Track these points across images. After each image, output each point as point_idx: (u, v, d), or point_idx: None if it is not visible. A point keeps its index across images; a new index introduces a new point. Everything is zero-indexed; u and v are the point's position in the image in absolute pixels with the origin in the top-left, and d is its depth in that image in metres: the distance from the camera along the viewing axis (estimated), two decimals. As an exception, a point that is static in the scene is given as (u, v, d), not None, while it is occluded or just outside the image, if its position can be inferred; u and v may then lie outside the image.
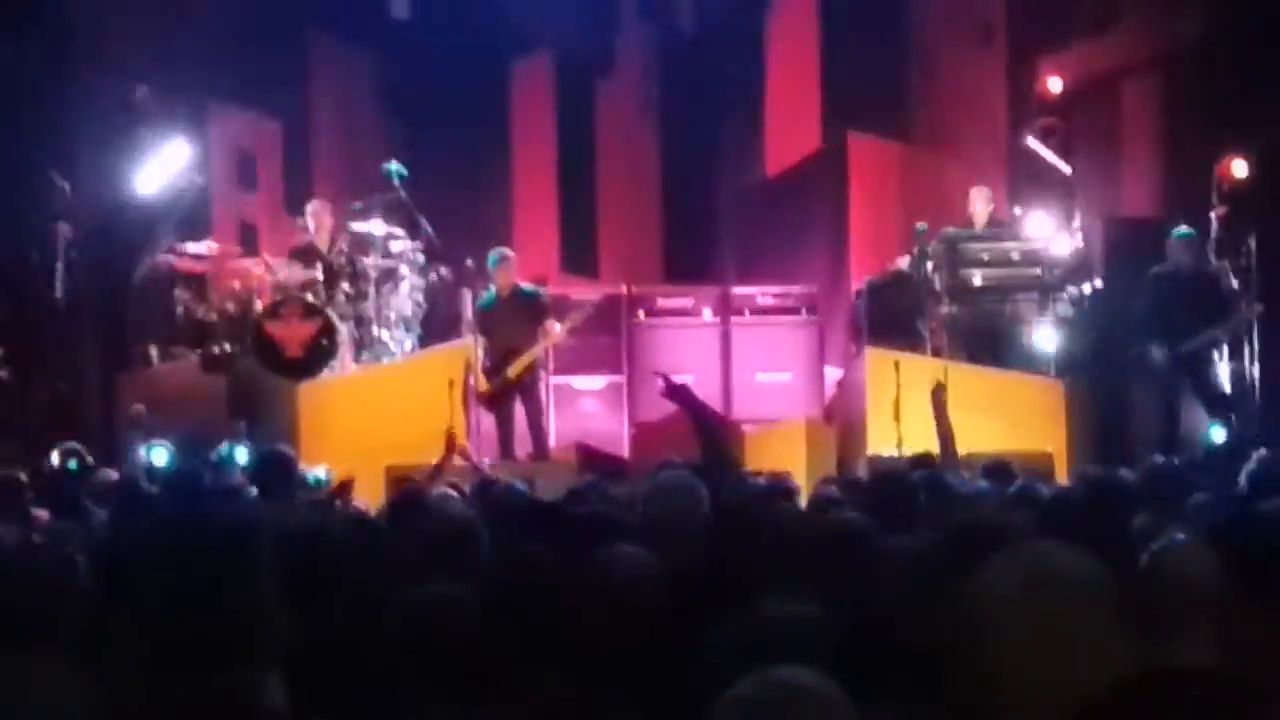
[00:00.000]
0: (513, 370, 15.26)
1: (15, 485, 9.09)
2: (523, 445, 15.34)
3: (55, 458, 12.58)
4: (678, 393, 7.35)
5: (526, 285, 15.78)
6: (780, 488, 9.31)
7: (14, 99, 16.55)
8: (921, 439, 13.32)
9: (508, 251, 15.76)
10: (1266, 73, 16.23)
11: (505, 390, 15.31)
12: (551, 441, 15.93)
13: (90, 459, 12.75)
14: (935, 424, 10.91)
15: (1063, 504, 6.91)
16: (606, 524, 6.53)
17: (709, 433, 7.22)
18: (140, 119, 17.02)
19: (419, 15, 18.24)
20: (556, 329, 15.37)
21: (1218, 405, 14.74)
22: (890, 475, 9.03)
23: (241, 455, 12.30)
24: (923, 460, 10.42)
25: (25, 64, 16.66)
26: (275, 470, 9.79)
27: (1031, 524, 6.11)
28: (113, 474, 11.37)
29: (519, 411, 15.40)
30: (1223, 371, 15.13)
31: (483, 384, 15.24)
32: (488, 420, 15.37)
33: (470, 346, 15.48)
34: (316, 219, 16.51)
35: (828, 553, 5.77)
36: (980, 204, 16.52)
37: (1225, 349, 15.18)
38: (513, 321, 15.40)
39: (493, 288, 15.55)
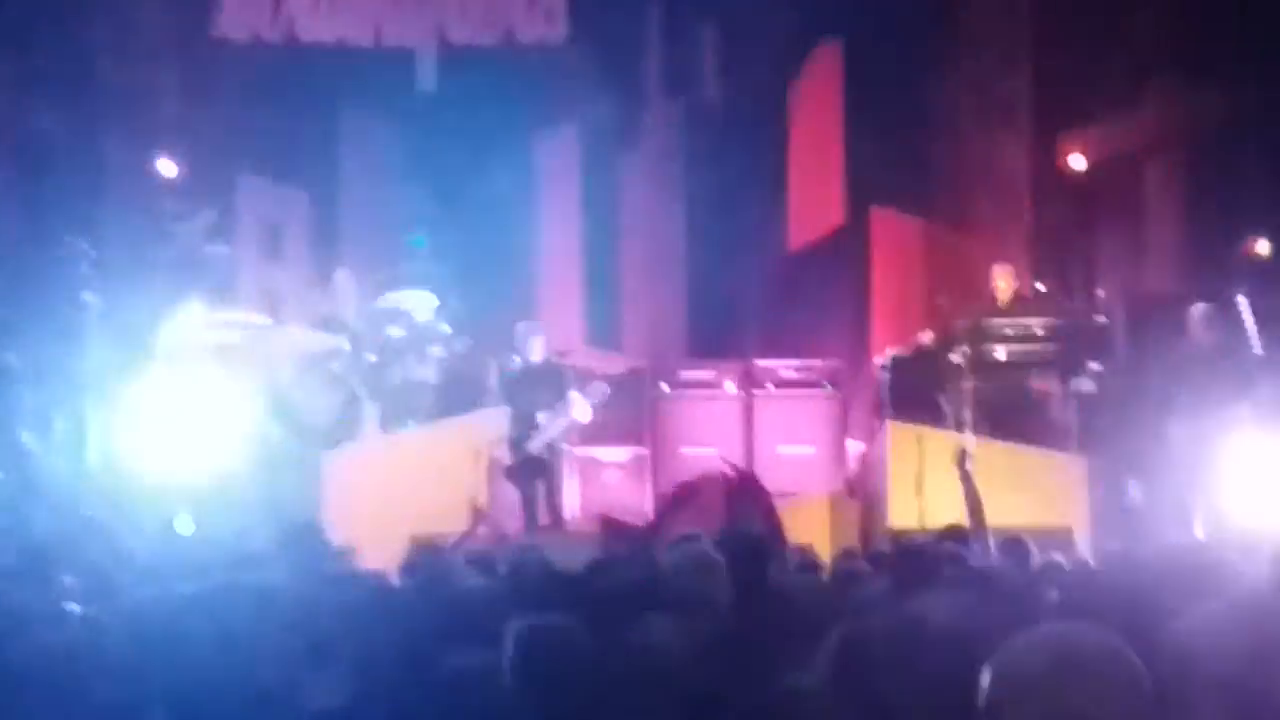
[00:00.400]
0: (534, 443, 15.26)
1: (43, 552, 9.13)
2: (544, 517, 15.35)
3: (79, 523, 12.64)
4: (748, 481, 7.29)
5: (552, 358, 15.79)
6: (805, 561, 9.32)
7: (43, 168, 16.70)
8: (945, 513, 13.34)
9: (536, 324, 15.80)
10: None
11: (527, 463, 15.31)
12: (575, 513, 15.97)
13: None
14: (963, 493, 10.92)
15: (1084, 580, 6.93)
16: (631, 596, 6.55)
17: (767, 512, 7.18)
18: (167, 188, 17.19)
19: (445, 87, 18.34)
20: (581, 404, 15.35)
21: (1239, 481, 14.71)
22: (913, 549, 9.03)
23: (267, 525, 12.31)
24: (951, 533, 10.40)
25: (53, 133, 16.81)
26: (303, 539, 9.86)
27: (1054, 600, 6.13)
28: (137, 541, 11.41)
29: (540, 484, 15.41)
30: (1247, 447, 15.09)
31: (505, 456, 15.28)
32: (510, 491, 15.39)
33: (495, 418, 15.51)
34: (342, 289, 16.63)
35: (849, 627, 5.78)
36: (1002, 281, 16.52)
37: (1248, 425, 15.14)
38: (537, 394, 15.40)
39: (518, 359, 15.58)
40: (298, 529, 10.36)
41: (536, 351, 15.58)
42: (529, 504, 15.24)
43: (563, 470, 15.64)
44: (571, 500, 16.00)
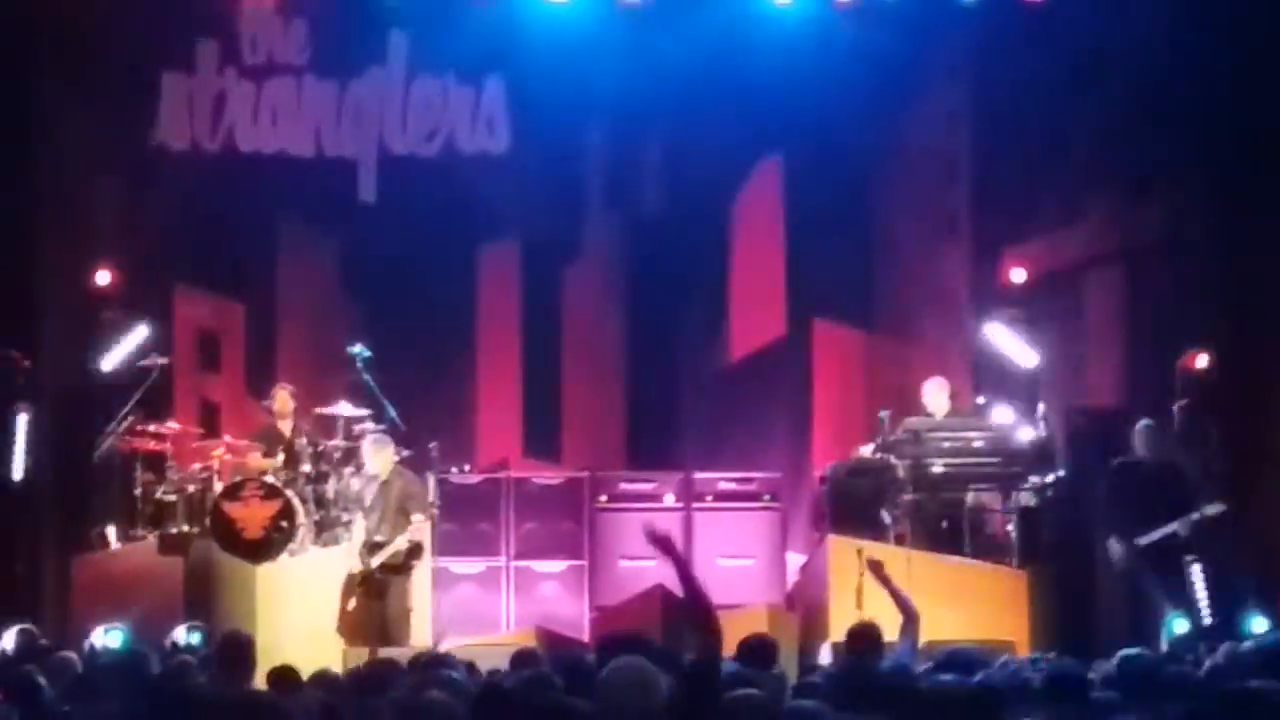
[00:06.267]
0: (376, 560, 15.19)
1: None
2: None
3: (8, 639, 12.46)
4: (663, 543, 7.19)
5: (405, 472, 15.70)
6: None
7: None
8: (885, 626, 13.26)
9: (382, 437, 15.66)
10: (1228, 267, 16.41)
11: (370, 578, 15.21)
12: (512, 626, 15.88)
13: (45, 640, 12.63)
14: (890, 595, 10.99)
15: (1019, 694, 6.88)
16: (560, 713, 6.40)
17: (692, 586, 7.06)
18: (103, 299, 17.09)
19: (386, 199, 18.28)
20: (417, 524, 15.30)
21: (1179, 597, 14.72)
22: (857, 667, 8.94)
23: (195, 638, 12.16)
24: (863, 632, 10.28)
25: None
26: (235, 653, 9.74)
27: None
28: (72, 656, 11.22)
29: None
30: (1188, 563, 15.07)
31: (354, 567, 15.20)
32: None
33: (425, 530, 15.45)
34: (280, 401, 16.51)
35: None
36: (935, 395, 16.56)
37: (1191, 541, 15.12)
38: (383, 509, 15.34)
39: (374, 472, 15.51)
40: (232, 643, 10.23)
41: (390, 463, 15.47)
42: (378, 620, 15.15)
43: (408, 591, 15.49)
44: (508, 610, 15.92)
